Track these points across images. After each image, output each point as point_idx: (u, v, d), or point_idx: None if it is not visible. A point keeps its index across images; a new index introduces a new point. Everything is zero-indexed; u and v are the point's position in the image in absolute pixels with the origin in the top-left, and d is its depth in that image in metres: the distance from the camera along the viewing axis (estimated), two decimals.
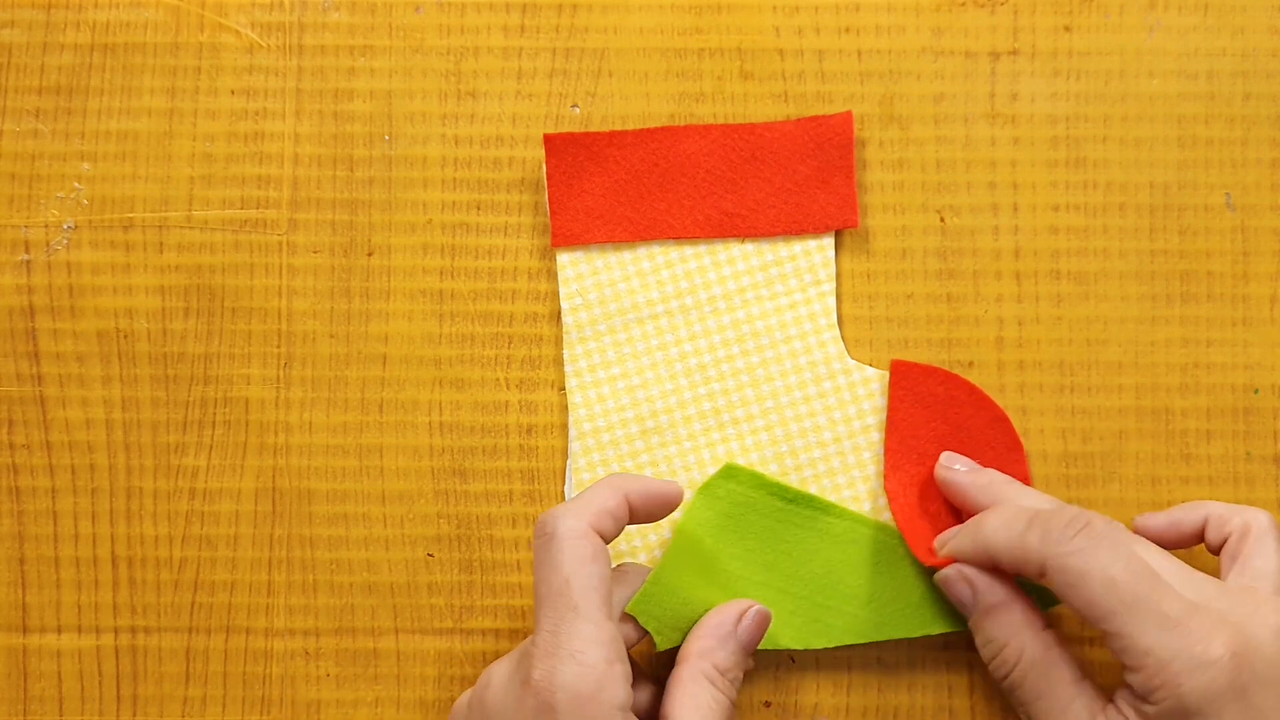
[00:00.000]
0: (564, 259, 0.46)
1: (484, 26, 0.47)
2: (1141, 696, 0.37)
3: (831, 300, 0.46)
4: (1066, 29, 0.47)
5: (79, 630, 0.46)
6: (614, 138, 0.46)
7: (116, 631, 0.46)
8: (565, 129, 0.47)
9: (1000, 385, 0.46)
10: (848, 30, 0.47)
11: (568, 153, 0.46)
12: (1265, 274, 0.46)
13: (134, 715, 0.46)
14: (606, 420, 0.46)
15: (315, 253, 0.47)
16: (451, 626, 0.46)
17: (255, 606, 0.46)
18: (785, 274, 0.46)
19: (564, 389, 0.46)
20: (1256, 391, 0.46)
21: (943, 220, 0.46)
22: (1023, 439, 0.46)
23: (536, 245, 0.47)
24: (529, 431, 0.46)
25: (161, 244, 0.47)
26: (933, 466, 0.45)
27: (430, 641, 0.46)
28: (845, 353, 0.46)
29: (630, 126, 0.47)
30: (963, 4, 0.47)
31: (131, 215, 0.47)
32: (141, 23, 0.47)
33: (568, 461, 0.46)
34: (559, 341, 0.46)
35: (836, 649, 0.45)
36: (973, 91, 0.47)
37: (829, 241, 0.46)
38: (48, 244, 0.47)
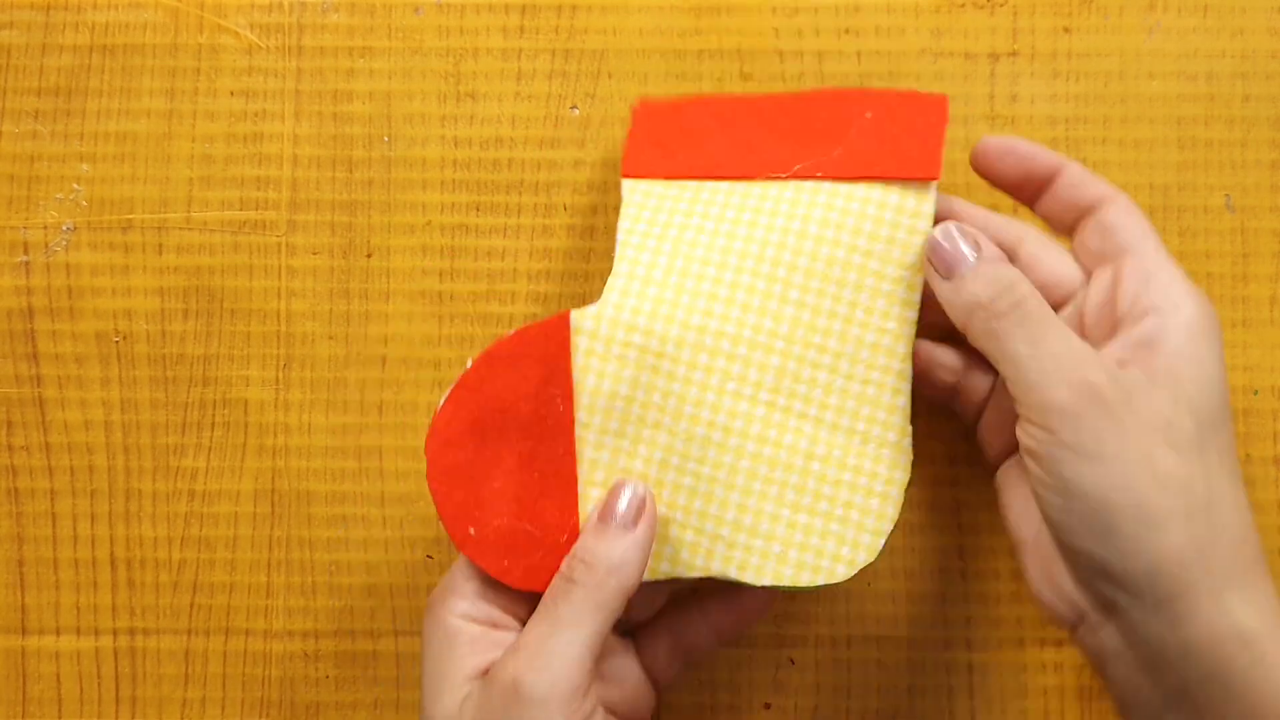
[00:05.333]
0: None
1: (483, 28, 0.47)
2: None
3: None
4: (1066, 30, 0.47)
5: (78, 632, 0.46)
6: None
7: (115, 633, 0.46)
8: (564, 130, 0.47)
9: None
10: (847, 32, 0.47)
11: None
12: (1265, 275, 0.46)
13: (133, 717, 0.46)
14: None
15: (314, 254, 0.47)
16: None
17: (254, 608, 0.46)
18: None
19: None
20: (1256, 393, 0.46)
21: None
22: None
23: (536, 246, 0.47)
24: None
25: (160, 245, 0.47)
26: None
27: None
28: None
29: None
30: (962, 5, 0.47)
31: (130, 217, 0.47)
32: (140, 24, 0.47)
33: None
34: None
35: (836, 652, 0.45)
36: (972, 93, 0.47)
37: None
38: (46, 245, 0.47)
